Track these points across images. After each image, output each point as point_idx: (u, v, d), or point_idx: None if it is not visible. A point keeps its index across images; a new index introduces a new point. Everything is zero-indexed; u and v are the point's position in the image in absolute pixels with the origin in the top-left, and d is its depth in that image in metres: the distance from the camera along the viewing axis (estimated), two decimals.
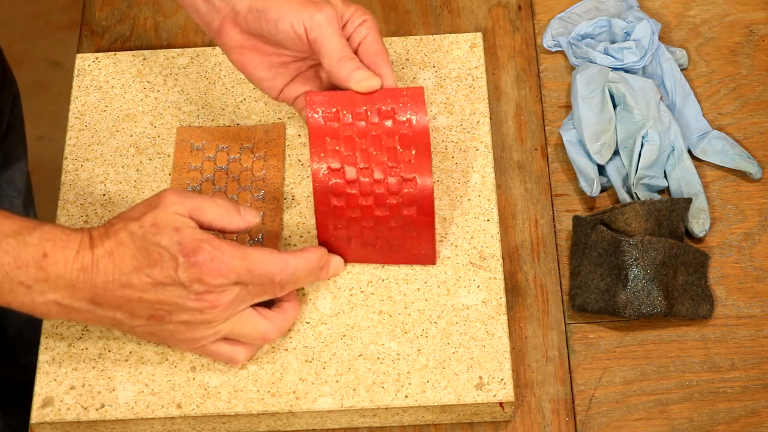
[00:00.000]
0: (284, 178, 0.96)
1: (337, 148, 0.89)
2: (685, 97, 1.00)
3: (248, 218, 0.86)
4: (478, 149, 0.97)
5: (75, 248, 0.81)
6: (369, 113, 0.89)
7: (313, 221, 0.94)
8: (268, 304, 0.88)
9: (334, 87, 0.92)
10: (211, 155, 0.97)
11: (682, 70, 1.03)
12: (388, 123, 0.88)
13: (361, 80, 0.88)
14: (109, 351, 0.90)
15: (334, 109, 0.89)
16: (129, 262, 0.81)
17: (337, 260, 0.91)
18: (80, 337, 0.90)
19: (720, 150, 0.98)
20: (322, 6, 0.88)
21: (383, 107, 0.88)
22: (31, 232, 0.81)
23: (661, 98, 0.99)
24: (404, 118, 0.88)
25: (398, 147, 0.88)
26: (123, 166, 0.98)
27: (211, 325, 0.84)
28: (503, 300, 0.90)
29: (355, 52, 0.89)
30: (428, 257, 0.91)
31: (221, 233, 0.87)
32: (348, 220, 0.90)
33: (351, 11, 0.90)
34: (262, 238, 0.93)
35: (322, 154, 0.89)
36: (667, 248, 0.90)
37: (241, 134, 0.98)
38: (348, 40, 0.90)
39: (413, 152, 0.88)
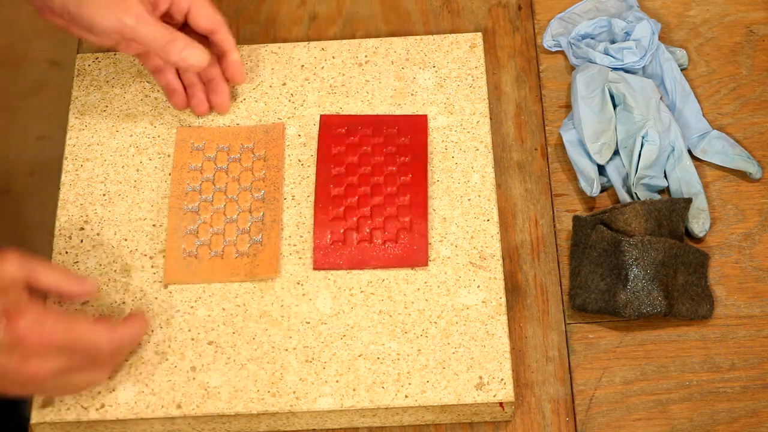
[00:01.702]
0: (284, 178, 0.96)
1: (341, 150, 0.96)
2: (685, 97, 1.00)
3: (85, 287, 0.86)
4: (478, 149, 0.97)
5: None
6: (374, 131, 0.97)
7: (313, 221, 0.94)
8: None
9: None
10: (211, 155, 0.97)
11: (682, 70, 1.03)
12: (391, 147, 0.97)
13: (188, 57, 0.92)
14: None
15: (344, 129, 0.97)
16: None
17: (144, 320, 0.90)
18: None
19: (720, 150, 0.98)
20: (128, 4, 0.90)
21: (387, 128, 0.97)
22: None
23: (661, 98, 0.99)
24: (406, 140, 0.97)
25: (397, 158, 0.96)
26: (123, 166, 0.98)
27: (42, 386, 0.83)
28: (503, 300, 0.90)
29: (184, 26, 0.94)
30: (420, 260, 0.92)
31: (60, 299, 0.88)
32: (345, 231, 0.94)
33: None
34: (261, 238, 0.93)
35: (328, 164, 0.96)
36: (667, 248, 0.90)
37: (241, 134, 0.98)
38: (169, 16, 0.94)
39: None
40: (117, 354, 0.86)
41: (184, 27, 0.96)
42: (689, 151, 0.98)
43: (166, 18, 0.95)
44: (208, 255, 0.92)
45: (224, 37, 0.96)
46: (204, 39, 0.96)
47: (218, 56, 0.98)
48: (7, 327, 0.79)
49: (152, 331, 0.90)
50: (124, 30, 0.90)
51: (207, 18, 0.95)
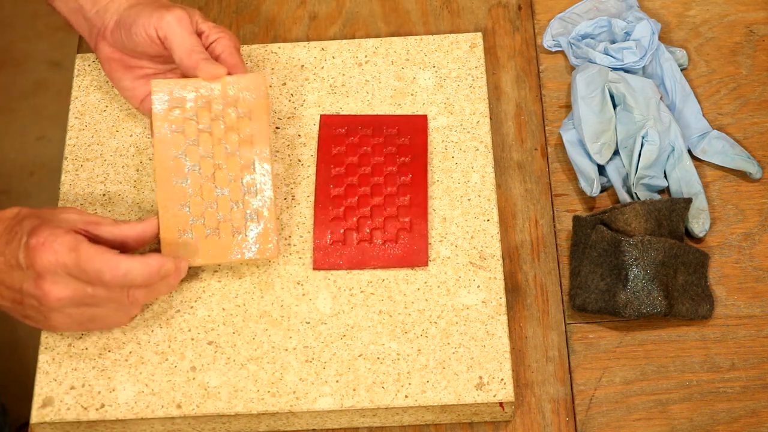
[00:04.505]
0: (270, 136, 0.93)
1: (341, 150, 0.97)
2: (685, 97, 1.00)
3: (145, 225, 0.89)
4: (478, 149, 0.97)
5: None
6: (374, 131, 0.97)
7: (313, 221, 0.94)
8: None
9: None
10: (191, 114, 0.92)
11: (682, 70, 1.03)
12: (391, 147, 0.97)
13: (207, 69, 0.91)
14: (109, 351, 0.90)
15: (344, 129, 0.98)
16: None
17: (184, 264, 0.89)
18: (80, 337, 0.90)
19: (720, 150, 0.98)
20: (173, 8, 0.93)
21: (387, 129, 0.97)
22: None
23: (661, 98, 0.99)
24: (406, 140, 0.97)
25: (397, 158, 0.96)
26: (123, 166, 0.98)
27: (63, 313, 0.84)
28: (503, 300, 0.90)
29: None
30: (420, 260, 0.92)
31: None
32: (345, 231, 0.94)
33: (207, 26, 0.94)
34: (256, 215, 0.90)
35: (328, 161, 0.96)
36: (667, 248, 0.90)
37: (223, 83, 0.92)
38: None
39: (409, 165, 0.96)
40: (131, 291, 0.85)
41: None
42: (689, 151, 0.98)
43: None
44: (204, 234, 0.90)
45: None
46: None
47: None
48: (25, 246, 0.82)
49: (152, 331, 0.90)
50: (161, 26, 0.91)
51: (234, 68, 0.93)
